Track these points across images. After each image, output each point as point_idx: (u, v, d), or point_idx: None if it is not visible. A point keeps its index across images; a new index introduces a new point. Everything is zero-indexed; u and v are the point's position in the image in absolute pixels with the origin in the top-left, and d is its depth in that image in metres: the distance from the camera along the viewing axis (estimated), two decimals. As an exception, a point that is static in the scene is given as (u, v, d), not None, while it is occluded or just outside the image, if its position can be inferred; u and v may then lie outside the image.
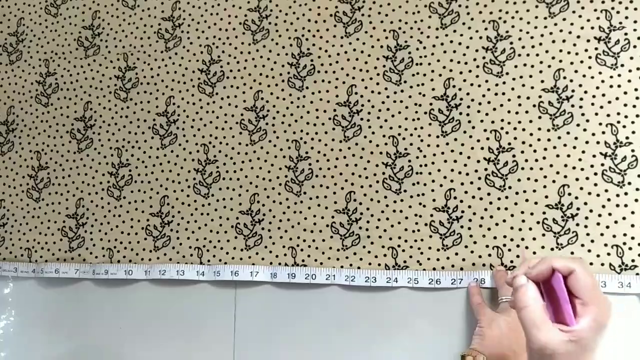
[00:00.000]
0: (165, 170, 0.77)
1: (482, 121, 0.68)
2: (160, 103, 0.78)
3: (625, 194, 0.63)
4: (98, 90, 0.81)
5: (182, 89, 0.78)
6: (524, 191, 0.66)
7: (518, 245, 0.65)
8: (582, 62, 0.66)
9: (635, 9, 0.66)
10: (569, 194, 0.65)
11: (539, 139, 0.66)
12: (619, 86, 0.65)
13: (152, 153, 0.77)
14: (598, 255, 0.63)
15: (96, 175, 0.79)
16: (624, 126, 0.64)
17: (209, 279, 0.73)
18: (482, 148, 0.68)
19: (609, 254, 0.63)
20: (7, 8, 0.87)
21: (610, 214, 0.63)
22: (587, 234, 0.64)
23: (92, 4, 0.83)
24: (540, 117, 0.66)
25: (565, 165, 0.65)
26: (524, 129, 0.67)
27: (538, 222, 0.65)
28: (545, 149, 0.66)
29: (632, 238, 0.62)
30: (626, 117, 0.64)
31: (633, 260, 0.62)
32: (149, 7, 0.81)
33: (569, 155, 0.65)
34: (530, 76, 0.67)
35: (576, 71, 0.66)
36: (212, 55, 0.78)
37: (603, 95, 0.65)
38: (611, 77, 0.65)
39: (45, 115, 0.82)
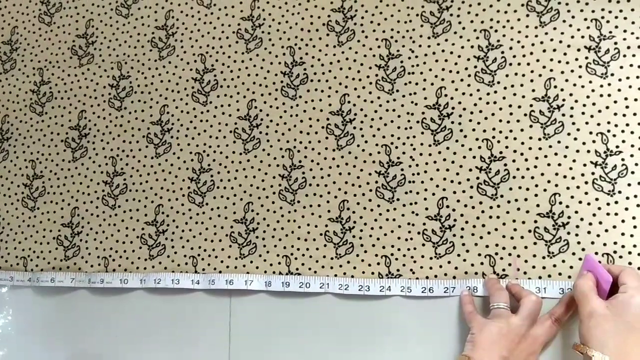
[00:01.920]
0: (159, 179, 0.77)
1: (474, 130, 0.69)
2: (154, 112, 0.79)
3: (616, 202, 0.64)
4: (92, 99, 0.81)
5: (176, 97, 0.78)
6: (516, 200, 0.66)
7: (510, 254, 0.66)
8: (572, 71, 0.67)
9: (625, 18, 0.66)
10: (560, 203, 0.65)
11: (530, 148, 0.67)
12: (609, 95, 0.65)
13: (147, 162, 0.78)
14: (589, 263, 0.64)
15: (91, 184, 0.79)
16: (614, 135, 0.65)
17: (204, 288, 0.73)
18: (474, 157, 0.68)
19: (599, 262, 0.63)
20: (1, 17, 0.87)
21: (600, 223, 0.64)
22: (578, 242, 0.64)
23: (85, 12, 0.84)
24: (531, 126, 0.67)
25: (556, 174, 0.66)
26: (515, 138, 0.67)
27: (529, 231, 0.66)
28: (537, 158, 0.66)
29: (623, 246, 0.63)
30: (616, 126, 0.65)
31: (623, 268, 0.63)
32: (142, 16, 0.81)
33: (559, 164, 0.66)
34: (522, 85, 0.68)
35: (567, 80, 0.67)
36: (205, 64, 0.78)
37: (593, 104, 0.66)
38: (601, 86, 0.66)
39: (39, 124, 0.82)
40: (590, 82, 0.66)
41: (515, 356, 0.59)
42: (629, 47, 0.66)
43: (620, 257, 0.63)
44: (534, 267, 0.65)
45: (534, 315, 0.60)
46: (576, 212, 0.65)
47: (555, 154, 0.66)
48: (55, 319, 0.78)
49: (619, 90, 0.65)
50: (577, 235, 0.64)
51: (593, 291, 0.57)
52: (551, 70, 0.67)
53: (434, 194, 0.69)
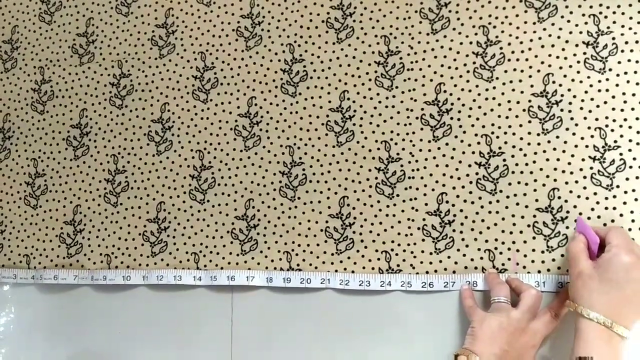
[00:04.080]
0: (161, 176, 0.77)
1: (472, 126, 0.69)
2: (155, 110, 0.79)
3: (614, 196, 0.64)
4: (93, 98, 0.81)
5: (176, 95, 0.79)
6: (515, 195, 0.67)
7: (509, 249, 0.66)
8: (570, 66, 0.67)
9: (623, 13, 0.67)
10: (559, 198, 0.66)
11: (529, 143, 0.67)
12: (607, 90, 0.66)
13: (148, 160, 0.78)
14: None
15: (93, 182, 0.80)
16: (612, 130, 0.65)
17: (206, 284, 0.74)
18: (473, 152, 0.69)
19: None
20: (2, 16, 0.87)
21: (599, 217, 0.64)
22: (577, 236, 0.65)
23: (86, 11, 0.84)
24: (530, 122, 0.67)
25: (555, 169, 0.66)
26: (514, 134, 0.68)
27: (529, 225, 0.66)
28: (535, 153, 0.67)
29: (621, 240, 0.63)
30: (614, 121, 0.65)
31: (622, 262, 0.63)
32: (142, 14, 0.82)
33: (558, 159, 0.66)
34: (520, 81, 0.68)
35: (565, 76, 0.67)
36: (205, 62, 0.78)
37: (591, 99, 0.66)
38: (599, 81, 0.66)
39: (41, 122, 0.83)
40: (589, 77, 0.67)
41: (516, 350, 0.59)
42: (626, 43, 0.66)
43: (619, 251, 0.63)
44: (533, 261, 0.65)
45: (534, 309, 0.61)
46: (575, 206, 0.65)
47: (554, 149, 0.66)
48: (58, 316, 0.79)
49: (617, 85, 0.66)
50: (575, 229, 0.65)
51: (583, 253, 0.59)
52: (549, 65, 0.68)
53: (433, 190, 0.69)
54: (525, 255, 0.66)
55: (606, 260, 0.57)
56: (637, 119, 0.65)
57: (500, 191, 0.67)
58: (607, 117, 0.65)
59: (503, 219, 0.67)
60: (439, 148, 0.70)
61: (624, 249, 0.57)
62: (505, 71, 0.69)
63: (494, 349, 0.59)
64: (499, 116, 0.68)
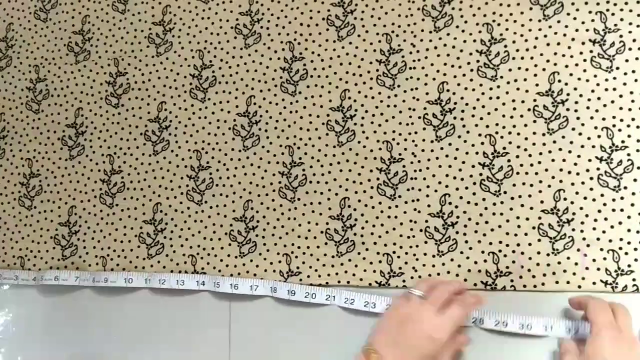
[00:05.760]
0: (157, 177, 0.76)
1: (476, 125, 0.67)
2: (151, 109, 0.77)
3: (621, 198, 0.63)
4: (89, 97, 0.80)
5: (173, 94, 0.77)
6: (519, 196, 0.65)
7: (514, 251, 0.65)
8: (577, 65, 0.66)
9: (631, 10, 0.65)
10: (565, 199, 0.64)
11: (534, 143, 0.66)
12: (614, 89, 0.64)
13: (145, 160, 0.77)
14: (594, 260, 0.63)
15: (88, 182, 0.78)
16: (620, 130, 0.64)
17: (209, 289, 0.71)
18: (476, 153, 0.67)
19: (605, 258, 0.62)
20: (-4, 13, 0.86)
21: (606, 219, 0.63)
22: (584, 239, 0.63)
23: (81, 8, 0.82)
24: (535, 121, 0.66)
25: (561, 170, 0.65)
26: (518, 134, 0.66)
27: (534, 227, 0.65)
28: (541, 154, 0.65)
29: (629, 243, 0.62)
30: (622, 120, 0.64)
31: (629, 265, 0.62)
32: (139, 12, 0.80)
33: (564, 160, 0.65)
34: (525, 80, 0.67)
35: (571, 74, 0.66)
36: (203, 60, 0.77)
37: (598, 98, 0.65)
38: (606, 80, 0.65)
39: (36, 121, 0.81)
40: (595, 76, 0.65)
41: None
42: (634, 40, 0.65)
43: (626, 253, 0.62)
44: (538, 264, 0.64)
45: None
46: (581, 208, 0.64)
47: (560, 149, 0.65)
48: (58, 317, 0.77)
49: (625, 84, 0.64)
50: (582, 231, 0.63)
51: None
52: (555, 64, 0.66)
53: (436, 191, 0.68)
54: (530, 258, 0.64)
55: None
56: (645, 118, 0.63)
57: (505, 192, 0.66)
58: (614, 117, 0.64)
59: (507, 220, 0.65)
60: (441, 148, 0.68)
61: None
62: (510, 70, 0.67)
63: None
64: (504, 116, 0.67)
